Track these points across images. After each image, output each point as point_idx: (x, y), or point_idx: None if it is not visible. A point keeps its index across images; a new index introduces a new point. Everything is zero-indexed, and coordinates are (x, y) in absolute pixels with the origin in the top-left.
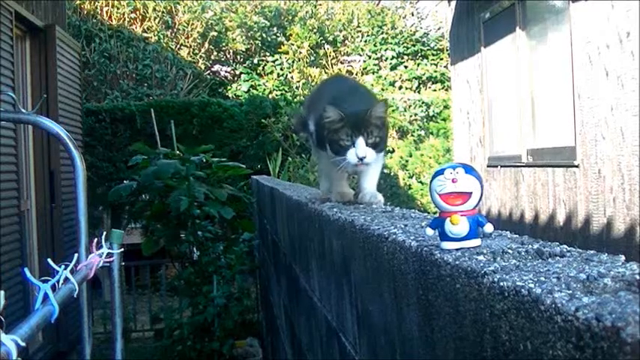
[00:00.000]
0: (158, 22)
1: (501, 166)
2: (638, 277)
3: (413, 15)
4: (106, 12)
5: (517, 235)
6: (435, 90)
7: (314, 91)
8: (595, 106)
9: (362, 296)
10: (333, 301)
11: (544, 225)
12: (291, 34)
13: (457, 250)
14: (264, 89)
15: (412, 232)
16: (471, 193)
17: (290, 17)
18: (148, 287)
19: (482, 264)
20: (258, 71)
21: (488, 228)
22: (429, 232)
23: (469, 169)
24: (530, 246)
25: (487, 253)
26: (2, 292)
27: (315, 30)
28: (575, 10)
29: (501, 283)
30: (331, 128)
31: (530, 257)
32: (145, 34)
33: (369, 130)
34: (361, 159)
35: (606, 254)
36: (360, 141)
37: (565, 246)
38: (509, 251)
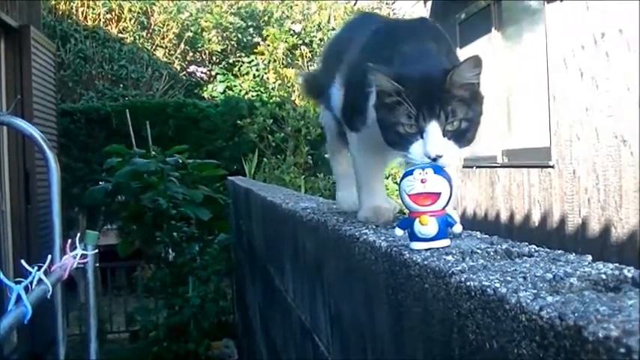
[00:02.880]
0: (134, 23)
1: (477, 167)
2: (604, 276)
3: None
4: (82, 12)
5: (487, 236)
6: None
7: (339, 36)
8: (570, 107)
9: (335, 296)
10: (307, 301)
11: (519, 225)
12: (267, 36)
13: (426, 250)
14: (240, 90)
15: (383, 233)
16: (440, 193)
17: (266, 18)
18: (124, 288)
19: (450, 264)
20: (234, 72)
21: (457, 228)
22: (398, 232)
23: (438, 170)
24: (499, 246)
25: (456, 253)
26: None
27: (291, 31)
28: (550, 11)
29: (468, 283)
30: (383, 102)
31: (498, 257)
32: (120, 35)
33: (448, 108)
34: (434, 158)
35: (574, 254)
36: (433, 128)
37: (534, 246)
38: (478, 251)
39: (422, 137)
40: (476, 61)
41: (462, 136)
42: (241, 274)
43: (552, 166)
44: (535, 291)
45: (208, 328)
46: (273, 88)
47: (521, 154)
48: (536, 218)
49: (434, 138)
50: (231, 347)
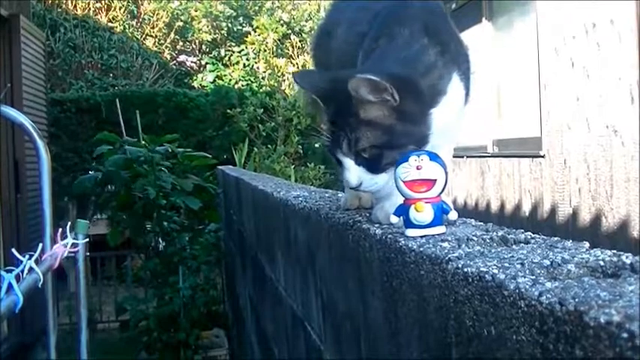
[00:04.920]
0: (123, 12)
1: (467, 157)
2: (602, 263)
3: None
4: (71, 1)
5: (482, 223)
6: None
7: (327, 23)
8: (561, 97)
9: (327, 285)
10: (299, 290)
11: (510, 215)
12: (257, 27)
13: (421, 237)
14: (230, 79)
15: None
16: (436, 180)
17: (256, 7)
18: (114, 278)
19: (446, 250)
20: (224, 62)
21: (453, 215)
22: (394, 219)
23: (434, 156)
24: (494, 233)
25: (452, 240)
26: None
27: (281, 21)
28: (541, 1)
29: (465, 269)
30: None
31: (494, 244)
32: (110, 24)
33: (353, 135)
34: (355, 187)
35: (571, 241)
36: (345, 159)
37: (530, 233)
38: (474, 238)
39: (344, 164)
40: (371, 85)
41: (377, 164)
42: (231, 263)
43: (543, 156)
44: (533, 277)
45: (198, 318)
46: (263, 78)
47: (512, 143)
48: (526, 208)
49: (347, 168)
50: (222, 337)
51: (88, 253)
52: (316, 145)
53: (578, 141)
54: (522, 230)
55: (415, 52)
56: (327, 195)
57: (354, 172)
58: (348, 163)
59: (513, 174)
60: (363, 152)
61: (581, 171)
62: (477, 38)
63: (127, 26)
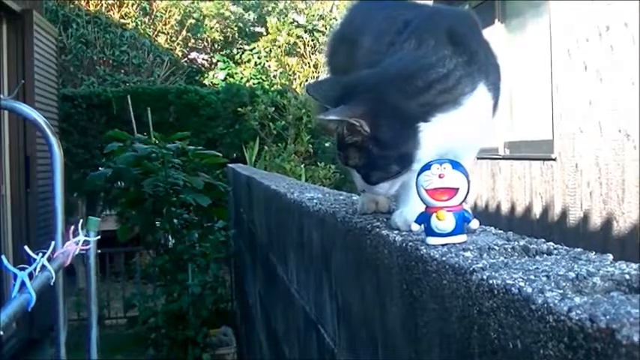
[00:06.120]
0: (136, 9)
1: (478, 158)
2: (627, 277)
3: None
4: None
5: (501, 231)
6: None
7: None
8: (573, 100)
9: (342, 289)
10: (312, 292)
11: (520, 217)
12: (270, 28)
13: (443, 245)
14: (241, 77)
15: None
16: (458, 188)
17: (270, 8)
18: (122, 274)
19: (469, 261)
20: (236, 60)
21: (474, 224)
22: (415, 227)
23: (456, 165)
24: (516, 242)
25: (473, 249)
26: None
27: (295, 23)
28: (554, 3)
29: (491, 281)
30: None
31: (516, 254)
32: (122, 21)
33: (343, 153)
34: (362, 191)
35: (594, 253)
36: (351, 169)
37: (552, 243)
38: (496, 248)
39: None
40: (339, 123)
41: (369, 178)
42: (241, 261)
43: (554, 159)
44: (561, 291)
45: (206, 316)
46: (274, 76)
47: (523, 146)
48: (537, 211)
49: (354, 174)
50: (230, 335)
51: (99, 251)
52: (326, 145)
53: (590, 144)
54: (543, 240)
55: (420, 66)
56: (341, 197)
57: (358, 179)
58: (352, 170)
59: (524, 176)
60: (353, 168)
61: (593, 175)
62: (489, 40)
63: (139, 23)
